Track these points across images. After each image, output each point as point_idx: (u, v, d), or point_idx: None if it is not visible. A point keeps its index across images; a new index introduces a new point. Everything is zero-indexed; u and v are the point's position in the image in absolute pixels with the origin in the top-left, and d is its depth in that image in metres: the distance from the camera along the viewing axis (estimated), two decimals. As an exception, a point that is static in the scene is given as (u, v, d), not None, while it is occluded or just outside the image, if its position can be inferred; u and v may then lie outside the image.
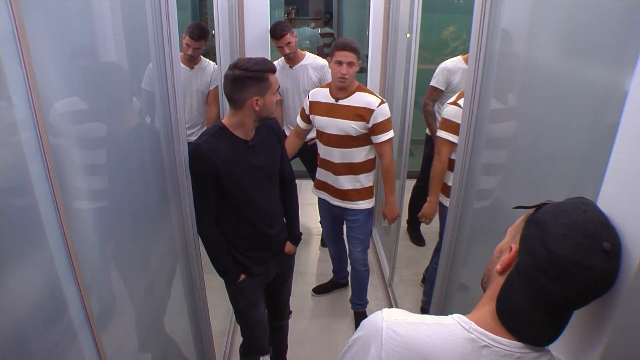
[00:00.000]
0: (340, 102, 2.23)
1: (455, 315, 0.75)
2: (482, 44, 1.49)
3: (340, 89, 2.21)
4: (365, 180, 2.37)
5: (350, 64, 2.13)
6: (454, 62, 2.96)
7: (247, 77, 1.57)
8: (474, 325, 0.72)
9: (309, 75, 3.06)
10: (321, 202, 2.61)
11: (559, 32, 1.19)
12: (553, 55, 1.20)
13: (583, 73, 1.05)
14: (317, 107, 2.31)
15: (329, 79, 3.14)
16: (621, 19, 0.92)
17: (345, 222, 2.60)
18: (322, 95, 2.31)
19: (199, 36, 2.79)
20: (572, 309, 0.71)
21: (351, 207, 2.42)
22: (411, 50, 2.79)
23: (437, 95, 3.04)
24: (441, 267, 1.87)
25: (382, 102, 2.20)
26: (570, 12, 1.11)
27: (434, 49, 4.47)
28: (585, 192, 0.77)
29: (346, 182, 2.36)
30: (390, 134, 2.25)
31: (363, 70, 3.27)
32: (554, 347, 0.75)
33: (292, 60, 3.05)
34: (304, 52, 3.11)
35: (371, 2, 3.29)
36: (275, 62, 3.09)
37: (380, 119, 2.19)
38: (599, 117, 0.98)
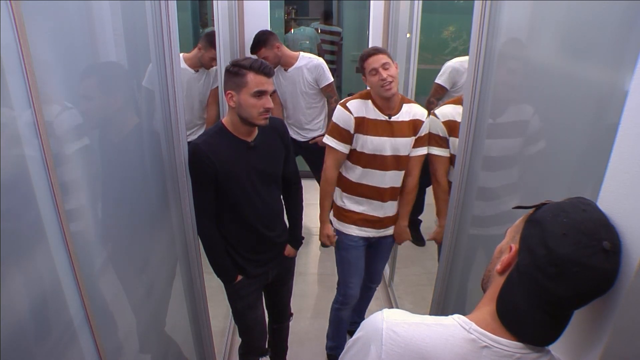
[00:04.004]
0: (393, 119, 1.94)
1: (456, 316, 0.75)
2: (482, 44, 1.48)
3: (388, 98, 1.89)
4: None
5: (385, 65, 1.84)
6: (462, 63, 2.90)
7: (227, 71, 1.59)
8: (474, 325, 0.72)
9: (304, 76, 3.03)
10: (354, 244, 2.11)
11: (559, 32, 1.19)
12: (553, 55, 1.20)
13: (583, 73, 1.05)
14: (368, 125, 1.92)
15: (329, 77, 3.15)
16: (621, 19, 0.92)
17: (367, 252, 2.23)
18: (370, 110, 1.93)
19: (213, 47, 2.77)
20: (572, 308, 0.71)
21: (386, 233, 2.15)
22: (411, 50, 2.79)
23: (442, 93, 3.00)
24: (441, 268, 1.87)
25: (429, 114, 2.00)
26: (570, 12, 1.11)
27: (434, 49, 4.46)
28: (585, 192, 0.77)
29: (392, 208, 2.10)
30: (426, 149, 2.03)
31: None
32: (554, 347, 0.75)
33: (282, 64, 3.03)
34: (297, 53, 3.07)
35: (371, 2, 3.29)
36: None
37: (424, 132, 2.00)
38: (599, 117, 0.98)
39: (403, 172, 2.03)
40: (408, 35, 2.89)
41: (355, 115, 1.91)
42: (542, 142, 1.20)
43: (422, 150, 2.03)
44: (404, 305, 2.92)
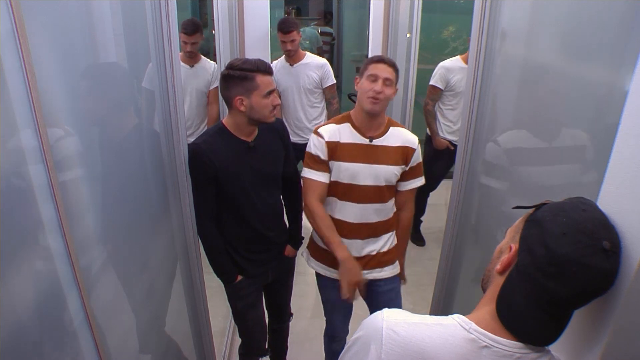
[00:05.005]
0: (376, 142, 1.68)
1: (456, 316, 0.75)
2: (482, 44, 1.49)
3: (371, 113, 1.64)
4: (394, 237, 1.84)
5: (387, 81, 1.61)
6: (452, 62, 3.02)
7: (231, 76, 1.56)
8: (474, 325, 0.72)
9: (309, 73, 3.06)
10: (330, 285, 1.84)
11: (559, 32, 1.19)
12: (553, 55, 1.20)
13: (583, 73, 1.05)
14: (342, 151, 1.69)
15: (333, 78, 3.15)
16: (621, 19, 0.92)
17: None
18: (346, 133, 1.69)
19: (193, 30, 2.79)
20: (572, 308, 0.71)
21: (376, 276, 1.82)
22: (411, 50, 2.80)
23: (437, 94, 3.06)
24: (441, 268, 1.87)
25: (416, 139, 1.73)
26: (570, 12, 1.11)
27: (434, 49, 4.47)
28: (585, 192, 0.77)
29: (375, 245, 1.79)
30: (422, 180, 1.77)
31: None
32: (554, 347, 0.75)
33: (292, 58, 3.06)
34: (304, 52, 3.13)
35: (371, 2, 3.29)
36: (275, 62, 3.10)
37: (417, 162, 1.73)
38: (599, 117, 0.98)
39: (387, 204, 1.76)
40: (408, 35, 2.90)
41: (327, 140, 1.69)
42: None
43: (418, 182, 1.77)
44: (404, 305, 2.92)
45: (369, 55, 3.37)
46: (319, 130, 1.74)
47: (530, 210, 0.76)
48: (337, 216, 1.75)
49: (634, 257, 0.66)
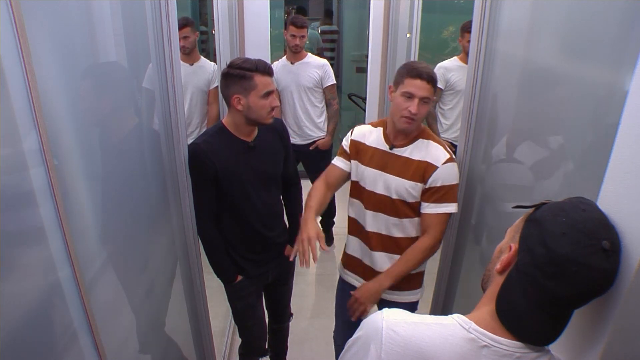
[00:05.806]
0: (395, 150, 1.58)
1: (455, 315, 0.75)
2: (482, 44, 1.49)
3: (403, 132, 1.55)
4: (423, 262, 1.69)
5: (424, 100, 1.48)
6: (450, 62, 3.05)
7: (231, 75, 1.57)
8: (473, 325, 0.73)
9: (310, 72, 3.07)
10: (345, 289, 1.81)
11: (559, 32, 1.19)
12: (553, 55, 1.20)
13: (583, 73, 1.05)
14: (364, 153, 1.64)
15: (333, 78, 3.15)
16: (621, 19, 0.92)
17: None
18: (374, 137, 1.63)
19: (183, 24, 2.77)
20: (571, 308, 0.71)
21: (392, 298, 1.70)
22: (411, 50, 2.80)
23: (437, 94, 3.06)
24: (441, 267, 1.87)
25: (450, 159, 1.53)
26: (570, 12, 1.11)
27: (434, 49, 4.46)
28: (585, 192, 0.77)
29: (389, 262, 1.65)
30: (451, 207, 1.55)
31: (363, 70, 3.26)
32: (554, 347, 0.75)
33: (295, 55, 3.06)
34: (306, 52, 3.14)
35: (371, 2, 3.29)
36: (276, 62, 3.10)
37: (441, 183, 1.52)
38: (599, 117, 0.98)
39: (405, 221, 1.61)
40: (408, 35, 2.90)
41: (353, 138, 1.67)
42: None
43: (442, 208, 1.55)
44: (404, 305, 2.91)
45: (369, 55, 3.37)
46: (356, 127, 1.72)
47: (530, 210, 0.76)
48: (352, 215, 1.75)
49: (634, 257, 0.66)
